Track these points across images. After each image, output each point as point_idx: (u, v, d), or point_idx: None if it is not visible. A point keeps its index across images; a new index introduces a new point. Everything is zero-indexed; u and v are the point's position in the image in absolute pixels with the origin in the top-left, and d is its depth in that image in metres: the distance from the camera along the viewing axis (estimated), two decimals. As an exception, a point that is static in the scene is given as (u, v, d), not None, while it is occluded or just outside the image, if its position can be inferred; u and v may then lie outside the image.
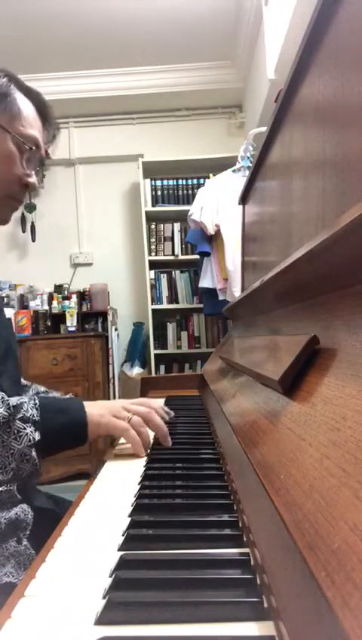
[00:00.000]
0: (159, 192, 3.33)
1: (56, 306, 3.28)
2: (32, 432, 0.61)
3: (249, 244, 1.31)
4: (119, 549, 0.40)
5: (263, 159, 1.02)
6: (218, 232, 2.52)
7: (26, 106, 0.78)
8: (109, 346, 3.15)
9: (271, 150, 0.94)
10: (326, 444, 0.32)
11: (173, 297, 3.36)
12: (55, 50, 2.97)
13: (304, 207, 0.68)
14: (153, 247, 3.35)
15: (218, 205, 2.52)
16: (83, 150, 3.55)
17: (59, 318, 3.25)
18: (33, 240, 3.49)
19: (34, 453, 0.61)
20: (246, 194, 1.31)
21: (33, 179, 0.81)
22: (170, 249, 3.34)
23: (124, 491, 0.55)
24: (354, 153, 0.48)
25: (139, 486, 0.56)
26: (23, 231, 3.47)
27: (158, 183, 3.33)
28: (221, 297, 2.55)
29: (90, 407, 0.68)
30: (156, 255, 3.34)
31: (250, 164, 2.40)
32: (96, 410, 0.68)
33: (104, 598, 0.33)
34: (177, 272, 3.37)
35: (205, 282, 2.64)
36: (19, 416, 0.62)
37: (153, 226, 3.35)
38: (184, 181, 3.34)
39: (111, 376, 3.12)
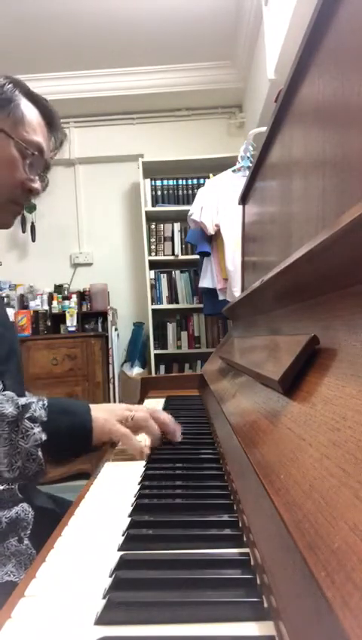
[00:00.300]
0: (159, 192, 3.33)
1: (56, 306, 3.28)
2: (39, 432, 0.62)
3: (249, 244, 1.31)
4: (119, 549, 0.40)
5: (263, 159, 1.02)
6: (218, 232, 2.52)
7: (30, 112, 0.78)
8: (109, 346, 3.15)
9: (271, 150, 0.94)
10: (326, 444, 0.32)
11: (173, 297, 3.36)
12: (55, 50, 2.97)
13: (304, 207, 0.68)
14: (153, 247, 3.35)
15: (218, 205, 2.52)
16: (83, 150, 3.55)
17: (59, 318, 3.26)
18: (33, 240, 3.49)
19: (40, 453, 0.62)
20: (246, 194, 1.31)
21: (37, 184, 0.81)
22: (170, 249, 3.34)
23: (124, 491, 0.55)
24: (354, 153, 0.48)
25: (139, 486, 0.56)
26: (23, 231, 3.47)
27: (158, 183, 3.33)
28: (221, 297, 2.55)
29: (96, 411, 0.68)
30: (156, 255, 3.34)
31: (250, 164, 2.40)
32: (101, 414, 0.68)
33: (104, 598, 0.33)
34: (177, 272, 3.37)
35: (205, 282, 2.64)
36: (27, 415, 0.62)
37: (153, 226, 3.35)
38: (184, 181, 3.34)
39: (111, 376, 3.12)
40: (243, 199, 1.36)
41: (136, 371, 3.27)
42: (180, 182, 3.34)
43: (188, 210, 2.70)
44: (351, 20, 0.50)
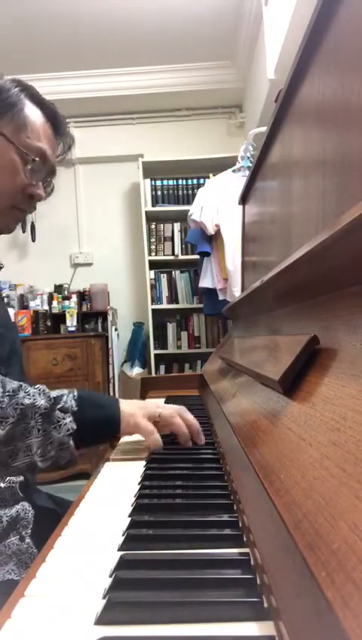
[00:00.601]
0: (159, 192, 3.33)
1: (56, 306, 3.28)
2: (70, 421, 0.63)
3: (249, 244, 1.31)
4: (119, 549, 0.40)
5: (263, 159, 1.02)
6: (218, 232, 2.52)
7: (34, 117, 0.78)
8: (109, 346, 3.15)
9: (271, 150, 0.94)
10: (326, 444, 0.32)
11: (173, 297, 3.36)
12: (55, 50, 2.97)
13: (304, 207, 0.68)
14: (153, 247, 3.35)
15: (218, 205, 2.52)
16: (83, 150, 3.54)
17: (59, 318, 3.25)
18: (33, 240, 3.49)
19: (72, 442, 0.63)
20: (246, 194, 1.31)
21: (39, 190, 0.81)
22: (170, 249, 3.34)
23: (124, 491, 0.55)
24: (354, 153, 0.48)
25: (139, 486, 0.56)
26: (23, 231, 3.46)
27: (158, 183, 3.33)
28: (221, 297, 2.55)
29: (124, 405, 0.70)
30: (156, 255, 3.34)
31: (250, 164, 2.40)
32: (129, 408, 0.70)
33: (104, 598, 0.33)
34: (177, 272, 3.37)
35: (205, 282, 2.64)
36: (59, 406, 0.64)
37: (153, 226, 3.35)
38: (184, 181, 3.34)
39: (111, 376, 3.12)
40: (243, 199, 1.36)
41: (136, 371, 3.27)
42: (180, 182, 3.34)
43: (188, 210, 2.70)
44: (351, 20, 0.50)
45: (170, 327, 3.35)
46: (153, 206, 3.32)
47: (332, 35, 0.55)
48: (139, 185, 3.34)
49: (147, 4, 2.62)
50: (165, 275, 3.36)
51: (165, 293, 3.35)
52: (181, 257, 3.33)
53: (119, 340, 3.37)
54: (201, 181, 3.16)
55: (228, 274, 2.43)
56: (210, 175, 2.86)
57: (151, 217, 3.35)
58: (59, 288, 3.43)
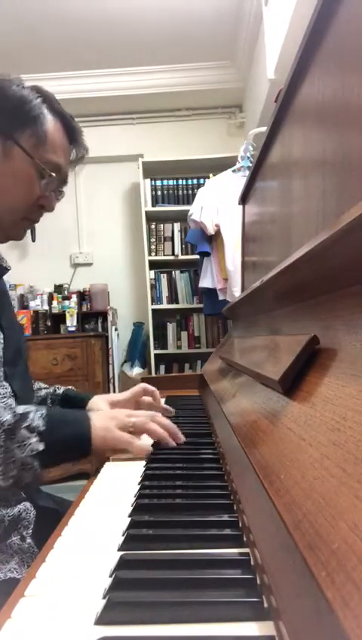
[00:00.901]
0: (159, 192, 3.33)
1: (56, 306, 3.28)
2: (36, 442, 0.62)
3: (249, 244, 1.31)
4: (119, 549, 0.40)
5: (263, 159, 1.02)
6: (218, 232, 2.52)
7: (53, 131, 0.76)
8: (109, 346, 3.14)
9: (271, 150, 0.94)
10: (326, 444, 0.32)
11: (173, 297, 3.36)
12: (55, 50, 2.97)
13: (304, 207, 0.68)
14: (153, 247, 3.35)
15: (218, 205, 2.52)
16: (83, 150, 3.54)
17: (59, 318, 3.25)
18: (33, 240, 3.45)
19: (36, 464, 0.62)
20: (246, 194, 1.31)
21: (52, 202, 0.80)
22: (170, 249, 3.34)
23: (124, 491, 0.55)
24: (354, 153, 0.48)
25: (139, 486, 0.56)
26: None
27: (158, 183, 3.33)
28: (221, 297, 2.55)
29: (95, 421, 0.68)
30: (156, 255, 3.34)
31: (250, 164, 2.40)
32: (100, 422, 0.68)
33: (104, 598, 0.33)
34: (177, 272, 3.37)
35: (205, 282, 2.64)
36: (25, 424, 0.62)
37: (153, 226, 3.34)
38: (184, 181, 3.34)
39: (111, 376, 3.12)
40: (243, 199, 1.36)
41: (136, 371, 3.26)
42: (180, 182, 3.34)
43: (188, 210, 2.70)
44: (351, 20, 0.50)
45: (170, 327, 3.35)
46: (153, 206, 3.32)
47: (332, 35, 0.55)
48: (139, 185, 3.34)
49: (147, 4, 2.62)
50: (165, 275, 3.36)
51: (165, 293, 3.35)
52: (181, 257, 3.33)
53: (119, 340, 3.37)
54: (201, 181, 3.16)
55: (228, 274, 2.43)
56: (210, 175, 2.86)
57: (151, 217, 3.35)
58: (59, 288, 3.43)
